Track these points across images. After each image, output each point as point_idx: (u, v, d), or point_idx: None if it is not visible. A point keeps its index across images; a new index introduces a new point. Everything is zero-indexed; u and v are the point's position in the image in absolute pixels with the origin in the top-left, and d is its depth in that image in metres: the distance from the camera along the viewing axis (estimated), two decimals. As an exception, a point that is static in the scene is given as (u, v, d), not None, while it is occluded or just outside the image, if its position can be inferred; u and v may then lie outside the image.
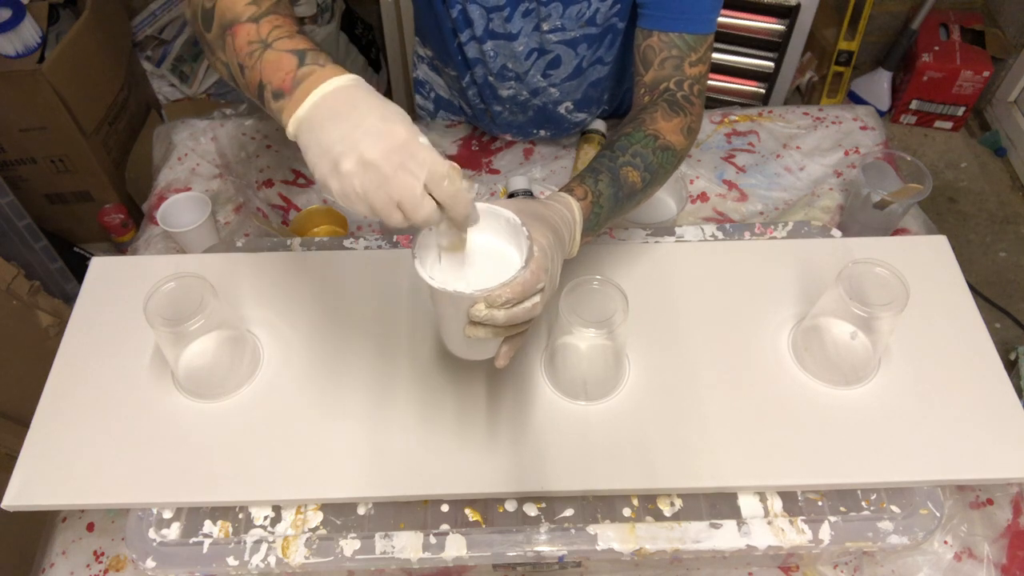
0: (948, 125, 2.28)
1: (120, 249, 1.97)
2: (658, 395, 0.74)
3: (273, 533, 0.69)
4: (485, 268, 0.58)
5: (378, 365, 0.76)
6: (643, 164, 0.76)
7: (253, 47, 0.61)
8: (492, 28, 0.94)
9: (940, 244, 0.84)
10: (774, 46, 1.87)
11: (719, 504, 0.70)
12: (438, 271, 0.58)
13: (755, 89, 1.98)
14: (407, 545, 0.68)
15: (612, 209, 0.72)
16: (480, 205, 0.58)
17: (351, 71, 0.58)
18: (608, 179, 0.72)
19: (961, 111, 2.23)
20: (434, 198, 0.52)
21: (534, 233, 0.58)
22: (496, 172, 1.13)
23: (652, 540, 0.68)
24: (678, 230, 0.88)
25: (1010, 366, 1.73)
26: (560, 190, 0.70)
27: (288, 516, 0.70)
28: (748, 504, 0.70)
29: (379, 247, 0.87)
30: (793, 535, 0.68)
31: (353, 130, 0.52)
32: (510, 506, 0.70)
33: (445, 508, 0.70)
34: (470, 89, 1.05)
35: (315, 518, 0.70)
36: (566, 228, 0.65)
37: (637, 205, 0.79)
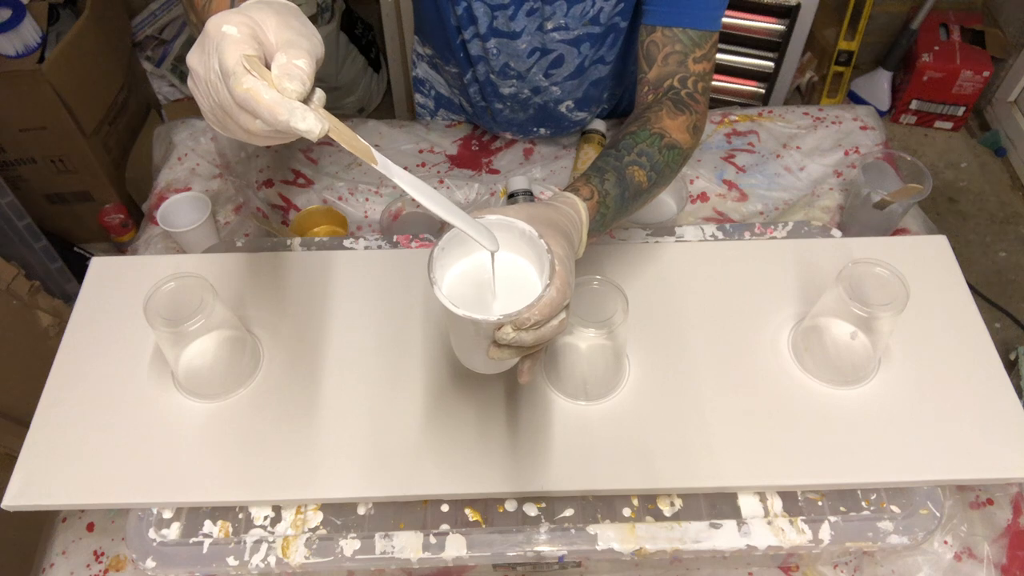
0: (948, 125, 2.28)
1: (120, 249, 1.97)
2: (658, 395, 0.74)
3: (273, 533, 0.69)
4: (505, 285, 0.56)
5: (378, 365, 0.76)
6: (649, 163, 0.74)
7: (204, 0, 0.60)
8: (496, 26, 0.94)
9: (940, 244, 0.84)
10: (774, 46, 1.88)
11: (719, 504, 0.70)
12: (453, 287, 0.56)
13: (755, 89, 1.98)
14: (407, 545, 0.68)
15: (618, 209, 0.71)
16: (492, 217, 0.56)
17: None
18: (614, 179, 0.71)
19: (961, 111, 2.23)
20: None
21: (550, 243, 0.55)
22: (496, 172, 1.13)
23: (652, 540, 0.68)
24: (678, 230, 0.88)
25: (1010, 366, 1.73)
26: (565, 189, 0.69)
27: (288, 516, 0.70)
28: (748, 504, 0.70)
29: (379, 247, 0.87)
30: (793, 535, 0.68)
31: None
32: (510, 506, 0.70)
33: (445, 508, 0.70)
34: (471, 87, 1.05)
35: (315, 518, 0.70)
36: (575, 231, 0.64)
37: (643, 205, 0.78)
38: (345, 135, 0.46)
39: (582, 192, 0.68)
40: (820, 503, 0.70)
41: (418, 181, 0.50)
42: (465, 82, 1.05)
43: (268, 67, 0.45)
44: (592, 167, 0.72)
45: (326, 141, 0.46)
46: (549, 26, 0.94)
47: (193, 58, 0.47)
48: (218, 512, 0.70)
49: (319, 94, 0.46)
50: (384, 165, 0.48)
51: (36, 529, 0.89)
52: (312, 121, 0.43)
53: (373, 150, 0.48)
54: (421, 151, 1.16)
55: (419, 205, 1.04)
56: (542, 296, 0.52)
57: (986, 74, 2.13)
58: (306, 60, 0.45)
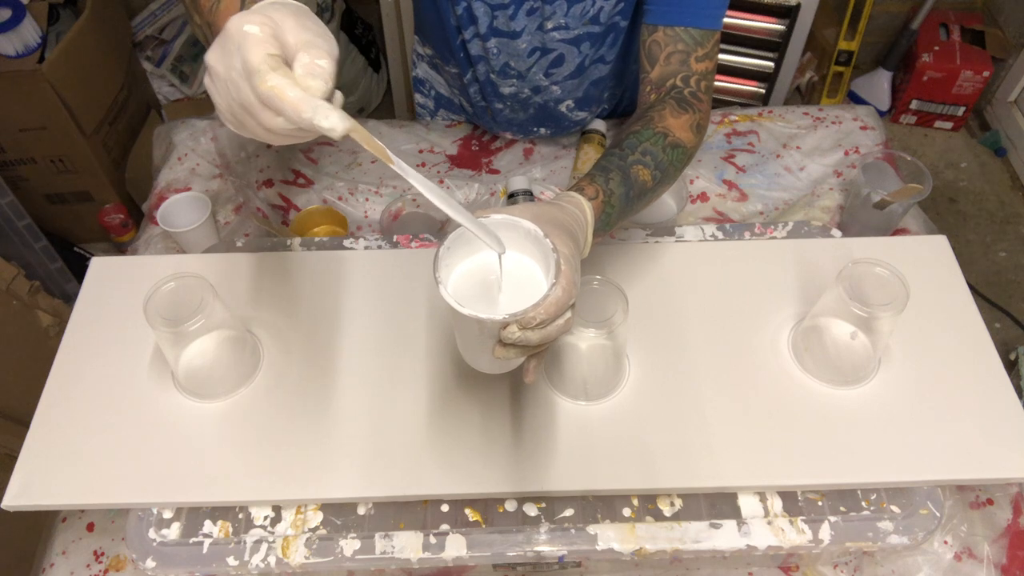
0: (948, 125, 2.28)
1: (120, 249, 1.97)
2: (658, 395, 0.74)
3: (273, 533, 0.69)
4: (510, 284, 0.56)
5: (378, 365, 0.76)
6: (653, 162, 0.74)
7: (211, 3, 0.59)
8: (496, 26, 0.94)
9: (940, 244, 0.84)
10: (774, 46, 1.88)
11: (719, 504, 0.70)
12: (458, 287, 0.56)
13: (755, 89, 1.98)
14: (407, 545, 0.68)
15: (623, 208, 0.71)
16: (497, 216, 0.55)
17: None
18: (619, 178, 0.71)
19: (961, 111, 2.23)
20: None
21: (555, 242, 0.55)
22: (496, 172, 1.13)
23: (652, 540, 0.68)
24: (678, 230, 0.88)
25: (1010, 366, 1.73)
26: (570, 189, 0.68)
27: (288, 516, 0.70)
28: (748, 504, 0.70)
29: (379, 247, 0.87)
30: (793, 535, 0.68)
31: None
32: (510, 506, 0.70)
33: (445, 508, 0.70)
34: (471, 86, 1.05)
35: (315, 518, 0.70)
36: (580, 230, 0.64)
37: (647, 204, 0.77)
38: (362, 134, 0.46)
39: (587, 191, 0.68)
40: (820, 503, 0.70)
41: (431, 182, 0.50)
42: (465, 82, 1.05)
43: (288, 67, 0.46)
44: (596, 166, 0.72)
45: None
46: (549, 25, 0.94)
47: (213, 57, 0.47)
48: (218, 512, 0.70)
49: (338, 95, 0.47)
50: (399, 165, 0.49)
51: (36, 529, 0.89)
52: (335, 119, 0.44)
53: (388, 150, 0.48)
54: (421, 151, 1.16)
55: (419, 205, 1.04)
56: (548, 295, 0.52)
57: (986, 74, 2.13)
58: (328, 60, 0.45)
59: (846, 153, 1.13)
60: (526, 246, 0.57)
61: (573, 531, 0.68)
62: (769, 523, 0.69)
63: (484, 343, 0.55)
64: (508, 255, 0.56)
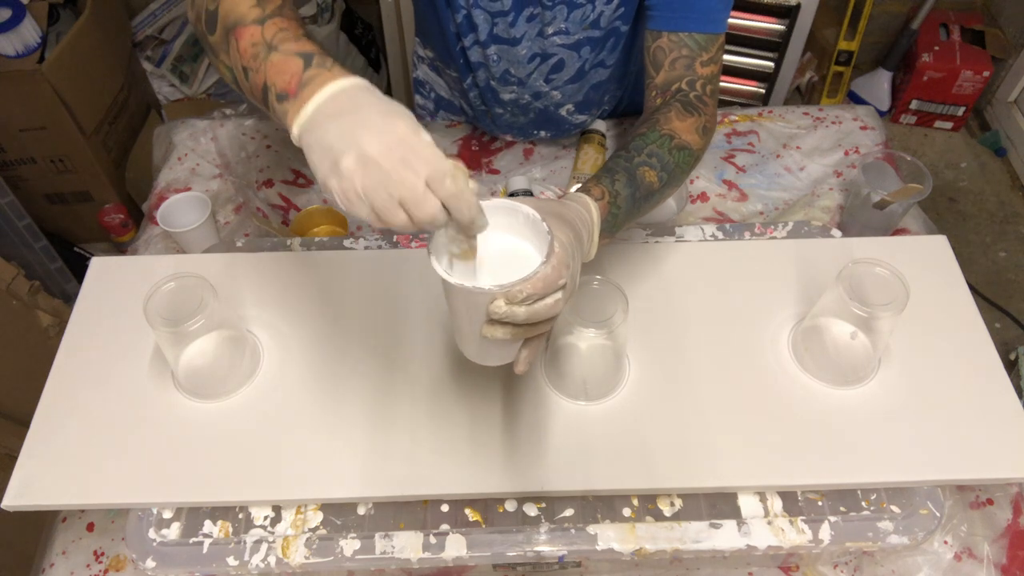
0: (948, 125, 2.28)
1: (120, 249, 1.97)
2: (658, 395, 0.74)
3: (273, 533, 0.69)
4: (503, 265, 0.56)
5: (378, 365, 0.76)
6: (659, 164, 0.75)
7: (257, 50, 0.60)
8: (496, 32, 0.94)
9: (940, 244, 0.84)
10: (774, 46, 1.87)
11: (719, 504, 0.70)
12: (454, 268, 0.56)
13: (755, 89, 1.98)
14: (407, 545, 0.68)
15: (630, 210, 0.71)
16: (498, 201, 0.57)
17: (351, 70, 0.57)
18: (625, 179, 0.71)
19: (961, 111, 2.23)
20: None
21: (554, 229, 0.56)
22: (496, 172, 1.13)
23: (652, 540, 0.68)
24: (678, 230, 0.88)
25: (1010, 366, 1.73)
26: (576, 190, 0.69)
27: (288, 516, 0.70)
28: (748, 504, 0.70)
29: (379, 247, 0.87)
30: (793, 535, 0.68)
31: (353, 128, 0.52)
32: (510, 506, 0.70)
33: (445, 508, 0.70)
34: (471, 91, 1.05)
35: (315, 518, 0.70)
36: (584, 228, 0.64)
37: (655, 206, 0.77)
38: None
39: (593, 192, 0.68)
40: (820, 503, 0.70)
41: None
42: (465, 87, 1.05)
43: None
44: (603, 169, 0.73)
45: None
46: (549, 31, 0.93)
47: (379, 152, 0.50)
48: (218, 512, 0.70)
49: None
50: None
51: (36, 529, 0.89)
52: (485, 219, 0.53)
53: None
54: (421, 151, 1.15)
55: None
56: (537, 271, 0.53)
57: (986, 74, 2.13)
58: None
59: (846, 153, 1.13)
60: (525, 231, 0.58)
61: (573, 531, 0.68)
62: (769, 523, 0.69)
63: (473, 322, 0.55)
64: (507, 239, 0.58)
